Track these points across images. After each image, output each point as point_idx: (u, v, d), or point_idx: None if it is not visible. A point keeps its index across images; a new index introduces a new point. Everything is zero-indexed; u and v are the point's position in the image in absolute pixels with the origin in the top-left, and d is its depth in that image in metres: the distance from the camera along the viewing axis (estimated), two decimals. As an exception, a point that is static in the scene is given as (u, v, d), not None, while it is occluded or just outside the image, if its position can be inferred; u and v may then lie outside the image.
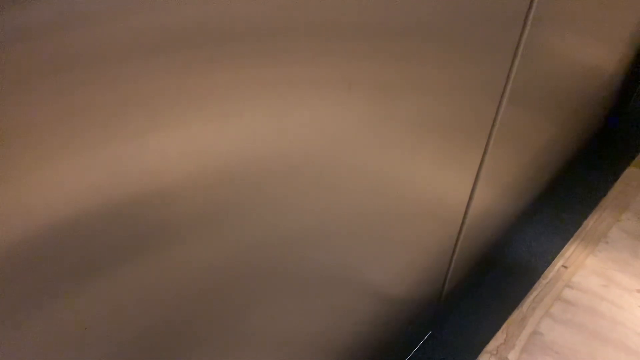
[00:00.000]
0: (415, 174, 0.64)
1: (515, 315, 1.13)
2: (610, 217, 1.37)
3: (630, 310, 1.15)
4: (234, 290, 0.47)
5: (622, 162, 1.54)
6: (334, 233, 0.56)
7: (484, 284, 1.23)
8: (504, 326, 1.10)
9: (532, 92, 0.84)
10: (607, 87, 1.36)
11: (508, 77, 0.71)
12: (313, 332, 0.66)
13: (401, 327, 0.95)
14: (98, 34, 0.26)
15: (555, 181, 1.42)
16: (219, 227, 0.40)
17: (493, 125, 0.75)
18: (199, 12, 0.29)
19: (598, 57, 1.14)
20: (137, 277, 0.36)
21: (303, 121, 0.42)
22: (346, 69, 0.42)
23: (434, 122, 0.60)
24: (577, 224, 1.35)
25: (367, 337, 0.82)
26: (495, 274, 1.26)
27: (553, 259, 1.26)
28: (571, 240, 1.31)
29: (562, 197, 1.46)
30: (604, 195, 1.44)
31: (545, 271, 1.23)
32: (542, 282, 1.20)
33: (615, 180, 1.48)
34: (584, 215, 1.38)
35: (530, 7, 0.64)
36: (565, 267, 1.23)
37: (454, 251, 0.93)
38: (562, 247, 1.29)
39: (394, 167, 0.58)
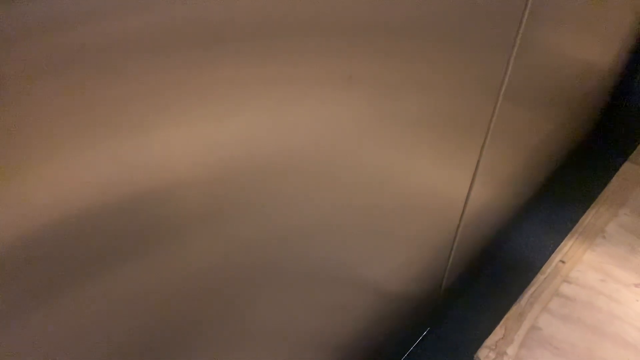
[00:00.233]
0: (414, 171, 0.64)
1: (514, 310, 1.13)
2: (607, 212, 1.37)
3: (628, 305, 1.15)
4: (235, 286, 0.47)
5: (620, 158, 1.54)
6: (334, 230, 0.56)
7: (482, 279, 1.23)
8: (502, 321, 1.11)
9: (529, 88, 0.85)
10: (603, 82, 1.37)
11: (505, 73, 0.71)
12: (312, 329, 0.66)
13: (400, 323, 0.95)
14: (101, 32, 0.26)
15: (552, 177, 1.43)
16: (221, 224, 0.41)
17: (490, 122, 0.76)
18: (200, 9, 0.30)
19: (594, 53, 1.14)
20: (138, 274, 0.36)
21: (303, 118, 0.42)
22: (345, 68, 0.42)
23: (432, 118, 0.61)
24: (575, 220, 1.36)
25: (366, 333, 0.82)
26: (494, 269, 1.26)
27: (551, 254, 1.26)
28: (569, 235, 1.31)
29: (560, 193, 1.46)
30: (602, 190, 1.44)
31: (544, 266, 1.23)
32: (540, 277, 1.20)
33: (613, 175, 1.48)
34: (582, 210, 1.38)
35: (526, 4, 0.65)
36: (563, 262, 1.24)
37: (452, 247, 0.93)
38: (560, 242, 1.29)
39: (392, 164, 0.59)
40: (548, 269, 1.22)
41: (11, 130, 0.25)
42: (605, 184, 1.46)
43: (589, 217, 1.36)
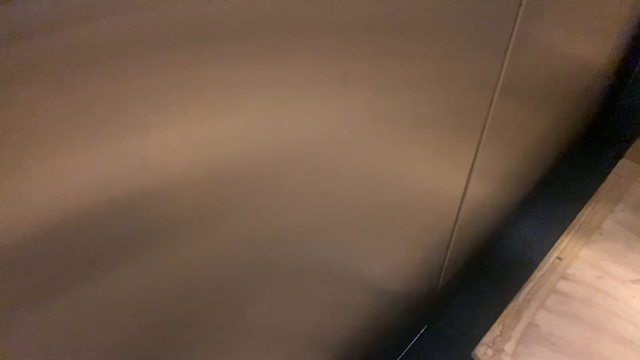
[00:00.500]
0: (410, 169, 0.65)
1: (511, 307, 1.13)
2: (604, 208, 1.38)
3: (625, 301, 1.15)
4: (233, 285, 0.47)
5: (615, 155, 1.54)
6: (330, 228, 0.56)
7: (479, 276, 1.23)
8: (500, 318, 1.11)
9: (525, 86, 0.85)
10: (598, 79, 1.37)
11: (500, 71, 0.71)
12: (309, 327, 0.66)
13: (397, 320, 0.95)
14: (98, 31, 0.26)
15: (548, 174, 1.43)
16: (218, 223, 0.41)
17: (486, 120, 0.76)
18: (194, 9, 0.30)
19: (589, 51, 1.15)
20: (136, 274, 0.36)
21: (298, 117, 0.42)
22: (340, 66, 0.43)
23: (428, 116, 0.61)
24: (571, 216, 1.36)
25: (363, 331, 0.82)
26: (491, 266, 1.26)
27: (548, 251, 1.26)
28: (565, 232, 1.31)
29: (556, 190, 1.47)
30: (598, 187, 1.44)
31: (541, 263, 1.23)
32: (537, 274, 1.21)
33: (609, 172, 1.49)
34: (578, 207, 1.39)
35: (520, 2, 0.65)
36: (560, 258, 1.24)
37: (449, 244, 0.93)
38: (557, 239, 1.30)
39: (388, 162, 0.59)
40: (545, 265, 1.23)
41: (8, 130, 0.25)
42: (601, 181, 1.46)
43: (586, 214, 1.36)
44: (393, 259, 0.78)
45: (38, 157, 0.27)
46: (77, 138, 0.28)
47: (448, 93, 0.62)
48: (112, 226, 0.33)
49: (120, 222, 0.33)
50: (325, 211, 0.53)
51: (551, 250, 1.27)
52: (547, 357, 1.04)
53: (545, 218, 1.38)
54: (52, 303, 0.32)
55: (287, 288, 0.56)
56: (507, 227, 1.31)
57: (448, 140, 0.70)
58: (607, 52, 1.28)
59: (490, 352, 1.05)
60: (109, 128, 0.29)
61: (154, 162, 0.33)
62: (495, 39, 0.66)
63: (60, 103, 0.26)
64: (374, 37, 0.44)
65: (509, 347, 1.06)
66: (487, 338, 1.07)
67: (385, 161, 0.58)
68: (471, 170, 0.81)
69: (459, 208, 0.86)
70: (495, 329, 1.09)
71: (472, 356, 1.05)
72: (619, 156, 1.54)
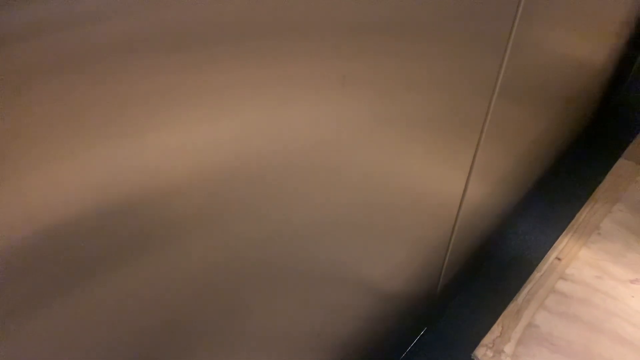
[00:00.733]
0: (409, 170, 0.65)
1: (511, 308, 1.13)
2: (602, 208, 1.38)
3: (624, 301, 1.15)
4: (233, 287, 0.47)
5: (613, 154, 1.55)
6: (330, 230, 0.56)
7: (478, 277, 1.23)
8: (499, 319, 1.11)
9: (523, 87, 0.85)
10: (596, 80, 1.37)
11: (499, 72, 0.71)
12: (310, 329, 0.66)
13: (397, 322, 0.95)
14: (95, 34, 0.26)
15: (547, 174, 1.43)
16: (219, 225, 0.41)
17: (485, 121, 0.76)
18: (192, 11, 0.30)
19: (587, 50, 1.15)
20: (137, 276, 0.36)
21: (298, 119, 0.42)
22: (339, 68, 0.42)
23: (427, 118, 0.61)
24: (570, 216, 1.36)
25: (363, 333, 0.82)
26: (490, 267, 1.26)
27: (547, 251, 1.27)
28: (564, 232, 1.31)
29: (555, 190, 1.47)
30: (596, 187, 1.45)
31: (540, 264, 1.23)
32: (537, 274, 1.21)
33: (607, 172, 1.49)
34: (577, 207, 1.39)
35: (519, 3, 0.65)
36: (559, 259, 1.24)
37: (448, 246, 0.93)
38: (556, 239, 1.30)
39: (387, 164, 0.59)
40: (544, 266, 1.23)
41: (6, 134, 0.25)
42: (599, 181, 1.46)
43: (584, 214, 1.36)
44: (393, 261, 0.78)
45: (37, 160, 0.27)
46: (76, 142, 0.28)
47: (447, 94, 0.62)
48: (112, 230, 0.33)
49: (120, 226, 0.33)
50: (325, 213, 0.53)
51: (550, 250, 1.27)
52: (546, 358, 1.04)
53: (544, 218, 1.38)
54: (50, 307, 0.32)
55: (288, 290, 0.56)
56: (506, 227, 1.32)
57: (447, 141, 0.70)
58: (604, 52, 1.28)
59: (490, 353, 1.05)
60: (110, 131, 0.29)
61: (154, 166, 0.33)
62: (494, 40, 0.66)
63: (59, 106, 0.26)
64: (373, 39, 0.44)
65: (508, 348, 1.06)
66: (487, 339, 1.07)
67: (385, 163, 0.58)
68: (470, 171, 0.81)
69: (459, 209, 0.86)
70: (495, 329, 1.09)
71: (472, 357, 1.05)
72: (617, 156, 1.54)
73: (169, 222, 0.36)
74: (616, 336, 1.09)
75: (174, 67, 0.30)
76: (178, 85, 0.31)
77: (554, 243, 1.29)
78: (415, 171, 0.66)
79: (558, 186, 1.47)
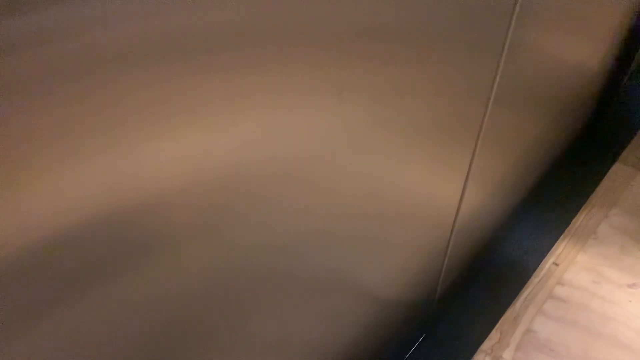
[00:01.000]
0: (406, 177, 0.64)
1: (509, 314, 1.13)
2: (598, 213, 1.38)
3: (621, 305, 1.15)
4: (231, 296, 0.47)
5: (609, 159, 1.55)
6: (328, 238, 0.56)
7: (476, 283, 1.23)
8: (497, 325, 1.11)
9: (519, 92, 0.85)
10: (591, 85, 1.38)
11: (494, 78, 0.71)
12: (307, 337, 0.66)
13: (396, 329, 0.95)
14: (91, 43, 0.26)
15: (543, 179, 1.43)
16: (215, 235, 0.40)
17: (481, 126, 0.76)
18: (189, 21, 0.29)
19: (582, 56, 1.15)
20: (134, 286, 0.36)
21: (295, 127, 0.42)
22: (337, 75, 0.42)
23: (423, 125, 0.61)
24: (567, 221, 1.36)
25: (362, 340, 0.82)
26: (488, 273, 1.26)
27: (544, 256, 1.27)
28: (561, 237, 1.32)
29: (551, 195, 1.47)
30: (592, 191, 1.45)
31: (537, 269, 1.23)
32: (534, 280, 1.21)
33: (603, 176, 1.49)
34: (573, 212, 1.39)
35: (514, 8, 0.65)
36: (556, 264, 1.24)
37: (446, 252, 0.93)
38: (553, 244, 1.30)
39: (385, 171, 0.58)
40: (541, 271, 1.23)
41: (5, 144, 0.25)
42: (595, 185, 1.46)
43: (581, 219, 1.37)
44: (391, 268, 0.77)
45: (31, 171, 0.26)
46: (70, 152, 0.28)
47: (443, 100, 0.62)
48: (109, 240, 0.32)
49: (115, 237, 0.33)
50: (322, 221, 0.53)
51: (547, 255, 1.27)
52: (545, 364, 1.04)
53: (540, 223, 1.38)
54: (50, 316, 0.31)
55: (285, 298, 0.55)
56: (503, 233, 1.31)
57: (444, 147, 0.70)
58: (599, 56, 1.29)
59: (488, 359, 1.05)
60: (104, 141, 0.29)
61: (149, 176, 0.33)
62: (489, 45, 0.66)
63: (54, 118, 0.26)
64: (368, 46, 0.44)
65: (507, 354, 1.05)
66: (486, 345, 1.07)
67: (382, 170, 0.58)
68: (467, 176, 0.81)
69: (456, 215, 0.86)
70: (493, 336, 1.09)
71: (470, 364, 1.05)
72: (613, 160, 1.54)
73: (165, 233, 0.36)
74: (614, 340, 1.08)
75: (170, 77, 0.30)
76: (173, 95, 0.31)
77: (551, 248, 1.29)
78: (412, 178, 0.66)
79: (554, 191, 1.47)
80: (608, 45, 1.29)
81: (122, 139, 0.30)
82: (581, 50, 1.12)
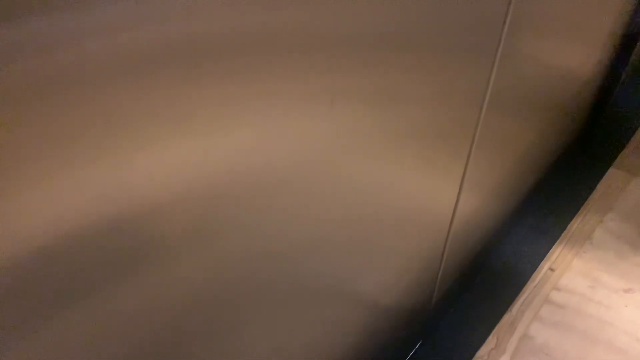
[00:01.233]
0: (401, 183, 0.65)
1: (505, 319, 1.13)
2: (594, 218, 1.38)
3: (618, 310, 1.16)
4: (227, 304, 0.47)
5: (604, 164, 1.56)
6: (323, 244, 0.56)
7: (473, 289, 1.23)
8: (494, 331, 1.11)
9: (513, 97, 0.86)
10: (585, 90, 1.38)
11: (488, 83, 0.72)
12: (304, 344, 0.66)
13: (392, 335, 0.95)
14: (87, 51, 0.26)
15: (538, 185, 1.44)
16: (211, 241, 0.40)
17: (475, 132, 0.76)
18: (183, 30, 0.30)
19: (576, 61, 1.16)
20: (129, 293, 0.36)
21: (290, 134, 0.42)
22: (330, 82, 0.43)
23: (417, 130, 0.61)
24: (562, 227, 1.36)
25: (358, 347, 0.81)
26: (484, 279, 1.26)
27: (540, 262, 1.27)
28: (557, 242, 1.32)
29: (546, 200, 1.47)
30: (588, 197, 1.45)
31: (533, 274, 1.23)
32: (530, 285, 1.21)
33: (598, 182, 1.50)
34: (569, 217, 1.39)
35: (506, 14, 0.66)
36: (552, 269, 1.25)
37: (442, 258, 0.93)
38: (548, 249, 1.30)
39: (380, 178, 0.59)
40: (538, 276, 1.23)
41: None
42: (591, 191, 1.47)
43: (576, 224, 1.37)
44: (387, 274, 0.77)
45: (25, 179, 0.27)
46: (65, 161, 0.28)
47: (437, 107, 0.62)
48: (105, 248, 0.32)
49: (110, 244, 0.33)
50: (317, 228, 0.53)
51: (543, 261, 1.27)
52: (542, 369, 1.04)
53: (536, 229, 1.39)
54: (45, 324, 0.32)
55: (281, 305, 0.55)
56: (499, 238, 1.32)
57: (438, 153, 0.70)
58: (593, 62, 1.29)
59: (485, 365, 1.05)
60: (99, 150, 0.29)
61: (144, 184, 0.33)
62: (482, 51, 0.66)
63: (48, 127, 0.26)
64: (362, 53, 0.45)
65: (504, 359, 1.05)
66: (482, 351, 1.07)
67: (376, 176, 0.58)
68: (462, 183, 0.82)
69: (451, 221, 0.87)
70: (490, 341, 1.09)
71: (467, 369, 1.05)
72: (607, 166, 1.55)
73: (160, 240, 0.36)
74: (611, 345, 1.09)
75: (165, 85, 0.30)
76: (168, 103, 0.31)
77: (547, 254, 1.29)
78: (406, 184, 0.66)
79: (550, 196, 1.48)
80: (601, 52, 1.30)
81: (117, 146, 0.30)
82: (574, 57, 1.12)
